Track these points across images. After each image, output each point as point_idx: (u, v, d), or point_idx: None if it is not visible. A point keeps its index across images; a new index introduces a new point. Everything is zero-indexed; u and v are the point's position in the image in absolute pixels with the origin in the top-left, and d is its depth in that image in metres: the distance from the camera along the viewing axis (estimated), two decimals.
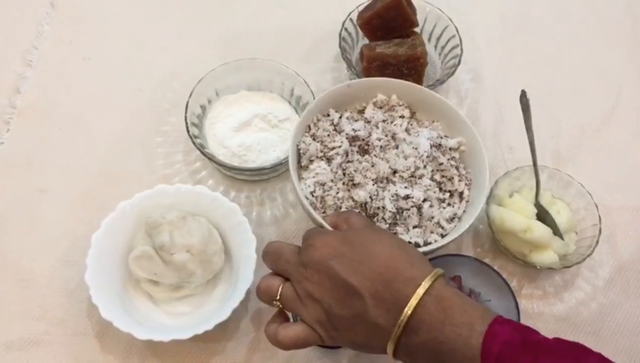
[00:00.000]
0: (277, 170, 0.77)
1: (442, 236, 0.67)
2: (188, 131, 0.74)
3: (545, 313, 0.72)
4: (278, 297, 0.55)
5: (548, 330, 0.71)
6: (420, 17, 0.84)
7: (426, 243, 0.66)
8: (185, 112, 0.75)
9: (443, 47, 0.85)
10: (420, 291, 0.48)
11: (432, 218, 0.67)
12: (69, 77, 0.86)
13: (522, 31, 0.94)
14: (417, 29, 0.84)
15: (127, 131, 0.82)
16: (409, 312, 0.48)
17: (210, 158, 0.74)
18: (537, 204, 0.74)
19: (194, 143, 0.74)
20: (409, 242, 0.64)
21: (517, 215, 0.71)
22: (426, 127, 0.72)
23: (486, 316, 0.48)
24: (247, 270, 0.66)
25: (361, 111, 0.74)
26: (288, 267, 0.55)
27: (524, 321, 0.68)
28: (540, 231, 0.70)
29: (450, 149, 0.71)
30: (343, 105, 0.74)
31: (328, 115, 0.72)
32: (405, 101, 0.74)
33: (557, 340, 0.48)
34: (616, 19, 0.96)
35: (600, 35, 0.94)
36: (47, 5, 0.92)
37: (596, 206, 0.72)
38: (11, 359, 0.67)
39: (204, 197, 0.71)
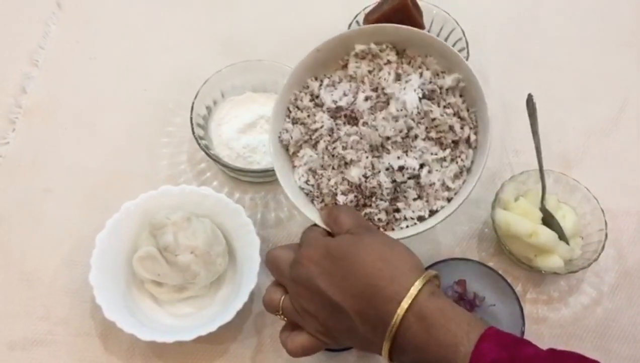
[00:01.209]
0: None
1: (449, 199, 0.60)
2: (193, 132, 0.74)
3: (550, 318, 0.72)
4: (280, 311, 0.56)
5: (552, 335, 0.70)
6: (426, 20, 0.84)
7: (433, 212, 0.60)
8: (191, 113, 0.75)
9: None
10: (400, 312, 0.47)
11: (433, 184, 0.60)
12: (75, 77, 0.87)
13: (528, 35, 0.94)
14: None
15: (132, 131, 0.82)
16: (393, 332, 0.47)
17: (215, 159, 0.74)
18: (543, 209, 0.73)
19: (199, 144, 0.73)
20: (412, 218, 0.60)
21: (523, 219, 0.71)
22: (419, 66, 0.63)
23: (472, 332, 0.46)
24: (251, 271, 0.66)
25: (344, 67, 0.65)
26: (284, 281, 0.56)
27: (528, 325, 0.68)
28: (546, 235, 0.70)
29: (447, 91, 0.61)
30: (322, 70, 0.66)
31: (307, 87, 0.65)
32: (388, 42, 0.64)
33: (551, 352, 0.46)
34: (623, 24, 0.95)
35: (607, 40, 0.94)
36: (53, 5, 0.93)
37: (602, 210, 0.72)
38: (15, 358, 0.67)
39: (208, 198, 0.71)
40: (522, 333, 0.65)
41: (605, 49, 0.93)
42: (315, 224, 0.60)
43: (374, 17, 0.81)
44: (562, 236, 0.72)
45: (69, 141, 0.81)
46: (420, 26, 0.82)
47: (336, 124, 0.62)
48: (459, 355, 0.45)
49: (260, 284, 0.65)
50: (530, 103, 0.76)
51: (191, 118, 0.75)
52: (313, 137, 0.62)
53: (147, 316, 0.68)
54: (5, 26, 0.90)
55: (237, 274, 0.70)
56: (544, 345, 0.47)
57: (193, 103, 0.76)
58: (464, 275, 0.71)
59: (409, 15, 0.80)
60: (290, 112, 0.65)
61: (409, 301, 0.47)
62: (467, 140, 0.61)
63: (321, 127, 0.62)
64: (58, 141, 0.81)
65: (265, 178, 0.78)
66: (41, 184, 0.77)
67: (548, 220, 0.72)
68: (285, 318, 0.56)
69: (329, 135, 0.62)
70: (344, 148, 0.61)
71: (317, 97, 0.64)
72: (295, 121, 0.64)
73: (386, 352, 0.48)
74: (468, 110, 0.61)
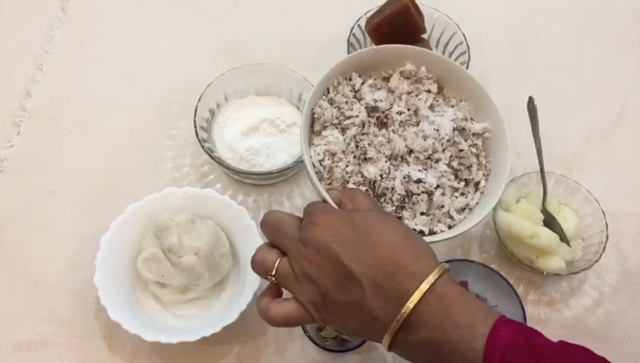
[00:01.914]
0: (284, 174, 0.78)
1: (450, 227, 0.62)
2: (197, 135, 0.75)
3: (551, 319, 0.72)
4: (274, 272, 0.52)
5: (554, 336, 0.69)
6: (428, 24, 0.84)
7: (432, 232, 0.62)
8: (194, 116, 0.76)
9: (450, 54, 0.86)
10: (423, 287, 0.46)
11: (442, 206, 0.62)
12: (79, 81, 0.87)
13: (528, 38, 0.94)
14: (424, 36, 0.85)
15: (136, 134, 0.83)
16: (410, 308, 0.46)
17: (219, 161, 0.74)
18: (544, 211, 0.74)
19: (202, 147, 0.74)
20: (414, 230, 0.61)
21: (525, 221, 0.71)
22: (452, 106, 0.67)
23: (489, 316, 0.46)
24: (254, 273, 0.66)
25: (386, 79, 0.69)
26: (287, 242, 0.52)
27: (530, 326, 0.68)
28: (548, 237, 0.70)
29: (473, 134, 0.65)
30: (368, 71, 0.68)
31: (350, 79, 0.67)
32: (434, 74, 0.68)
33: (562, 344, 0.47)
34: (624, 27, 0.96)
35: (608, 43, 0.94)
36: (58, 9, 0.93)
37: (603, 212, 0.72)
38: (20, 360, 0.68)
39: (212, 200, 0.72)
40: None
41: (605, 52, 0.93)
42: (323, 201, 0.57)
43: (376, 21, 0.82)
44: (563, 238, 0.72)
45: (74, 144, 0.82)
46: (422, 30, 0.82)
47: (368, 121, 0.64)
48: (476, 335, 0.45)
49: (263, 286, 0.65)
50: (531, 106, 0.77)
51: (195, 121, 0.75)
52: (344, 123, 0.63)
53: (151, 318, 0.68)
54: (10, 30, 0.91)
55: (240, 275, 0.70)
56: None
57: (197, 106, 0.76)
58: (466, 277, 0.71)
59: (411, 19, 0.80)
60: (329, 93, 0.66)
61: (433, 280, 0.47)
62: (477, 184, 0.65)
63: (356, 116, 0.63)
64: (62, 144, 0.81)
65: (268, 180, 0.79)
66: (46, 186, 0.78)
67: (549, 222, 0.73)
68: (275, 281, 0.52)
69: (361, 126, 0.63)
70: (369, 145, 0.62)
71: (357, 91, 0.66)
72: (331, 102, 0.65)
73: (392, 333, 0.47)
74: (485, 158, 0.66)
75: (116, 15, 0.94)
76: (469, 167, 0.64)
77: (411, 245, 0.50)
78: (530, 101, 0.77)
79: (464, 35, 0.84)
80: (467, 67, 0.82)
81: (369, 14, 0.84)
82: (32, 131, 0.82)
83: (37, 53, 0.89)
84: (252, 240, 0.69)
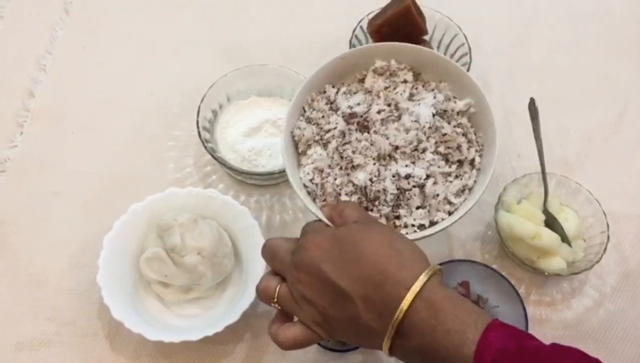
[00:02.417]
0: (286, 175, 0.78)
1: (450, 213, 0.61)
2: (200, 136, 0.75)
3: (552, 319, 0.72)
4: (275, 299, 0.54)
5: (555, 336, 0.71)
6: (429, 26, 0.84)
7: (433, 223, 0.61)
8: (197, 117, 0.76)
9: (452, 56, 0.86)
10: (409, 296, 0.47)
11: (437, 195, 0.61)
12: (82, 81, 0.88)
13: (530, 40, 0.95)
14: (426, 37, 0.85)
15: (138, 135, 0.83)
16: (400, 317, 0.47)
17: (221, 162, 0.75)
18: (546, 211, 0.74)
19: (205, 147, 0.74)
20: (413, 225, 0.60)
21: (526, 222, 0.71)
22: (432, 89, 0.66)
23: (479, 321, 0.46)
24: (257, 272, 0.67)
25: (361, 80, 0.68)
26: (282, 267, 0.54)
27: (531, 327, 0.68)
28: (549, 237, 0.70)
29: (458, 113, 0.64)
30: (340, 79, 0.68)
31: (324, 92, 0.67)
32: (407, 63, 0.67)
33: (555, 346, 0.46)
34: (624, 28, 0.96)
35: (608, 44, 0.95)
36: (61, 11, 0.94)
37: (604, 213, 0.73)
38: (22, 359, 0.68)
39: (214, 200, 0.72)
40: None
41: (606, 54, 0.94)
42: (318, 220, 0.59)
43: (378, 22, 0.82)
44: (564, 239, 0.72)
45: (76, 145, 0.82)
46: (423, 31, 0.83)
47: (348, 129, 0.63)
48: (466, 341, 0.45)
49: None
50: (532, 107, 0.77)
51: (197, 122, 0.76)
52: (325, 137, 0.64)
53: (154, 317, 0.68)
54: (13, 32, 0.92)
55: (242, 275, 0.70)
56: None
57: (199, 107, 0.76)
58: (467, 277, 0.71)
59: (412, 21, 0.81)
60: (305, 111, 0.66)
61: (419, 286, 0.47)
62: (472, 161, 0.63)
63: (334, 128, 0.63)
64: (65, 145, 0.82)
65: (270, 181, 0.79)
66: (49, 187, 0.78)
67: (551, 222, 0.73)
68: (279, 307, 0.54)
69: (341, 137, 0.63)
70: (353, 152, 0.62)
71: (333, 102, 0.65)
72: (309, 121, 0.65)
73: (389, 341, 0.48)
74: (475, 133, 0.64)
75: (119, 17, 0.94)
76: (459, 148, 0.63)
77: (397, 253, 0.50)
78: (532, 102, 0.78)
79: (465, 37, 0.84)
80: (468, 69, 0.82)
81: (370, 16, 0.85)
82: (35, 131, 0.83)
83: (40, 54, 0.89)
84: (254, 240, 0.69)
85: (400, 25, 0.81)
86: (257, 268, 0.67)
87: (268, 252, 0.56)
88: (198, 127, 0.75)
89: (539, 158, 0.76)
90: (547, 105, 0.80)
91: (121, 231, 0.69)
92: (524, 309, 0.67)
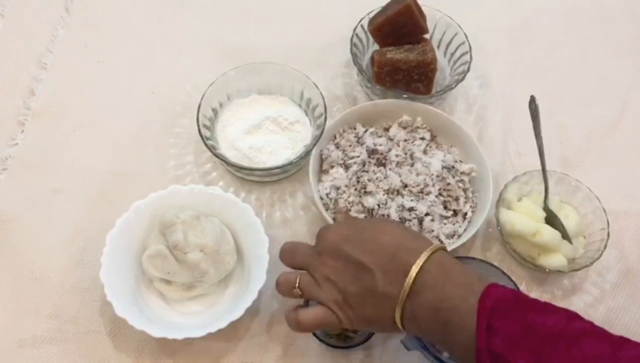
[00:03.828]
0: (287, 171, 0.78)
1: None
2: (200, 133, 0.75)
3: None
4: (297, 285, 0.59)
5: None
6: (430, 25, 0.85)
7: None
8: (197, 114, 0.76)
9: (452, 54, 0.86)
10: (422, 257, 0.53)
11: (432, 231, 0.72)
12: (83, 80, 0.88)
13: (530, 39, 0.95)
14: (427, 36, 0.85)
15: (139, 132, 0.83)
16: (414, 275, 0.53)
17: (222, 159, 0.75)
18: (546, 208, 0.74)
19: (205, 144, 0.74)
20: None
21: (527, 219, 0.72)
22: (443, 150, 0.78)
23: (483, 279, 0.53)
24: (259, 269, 0.67)
25: (387, 129, 0.81)
26: (304, 259, 0.60)
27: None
28: (550, 234, 0.71)
29: (462, 173, 0.76)
30: (370, 121, 0.80)
31: (354, 128, 0.79)
32: (428, 124, 0.80)
33: (549, 303, 0.51)
34: (623, 27, 0.97)
35: (608, 43, 0.95)
36: (62, 10, 0.94)
37: (604, 210, 0.73)
38: (24, 356, 0.68)
39: (216, 198, 0.72)
40: None
41: (605, 52, 0.94)
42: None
43: (379, 21, 0.82)
44: (565, 236, 0.73)
45: (77, 143, 0.82)
46: (424, 30, 0.83)
47: (368, 161, 0.76)
48: (471, 293, 0.51)
49: (268, 282, 0.66)
50: (532, 105, 0.78)
51: (198, 119, 0.76)
52: (347, 162, 0.76)
53: (156, 315, 0.68)
54: (14, 30, 0.91)
55: (245, 272, 0.70)
56: None
57: (200, 105, 0.77)
58: None
59: (413, 20, 0.81)
60: (335, 138, 0.79)
61: (430, 252, 0.54)
62: (465, 214, 0.74)
63: (358, 156, 0.76)
64: (66, 143, 0.82)
65: (270, 177, 0.79)
66: (50, 184, 0.78)
67: (551, 220, 0.73)
68: (300, 292, 0.59)
69: (362, 165, 0.76)
70: (369, 181, 0.74)
71: (360, 138, 0.78)
72: (337, 146, 0.78)
73: (401, 303, 0.53)
74: (472, 193, 0.76)
75: (120, 16, 0.94)
76: (457, 199, 0.74)
77: (408, 232, 0.59)
78: (532, 100, 0.78)
79: (465, 35, 0.84)
80: (468, 68, 0.82)
81: (371, 14, 0.85)
82: (37, 129, 0.83)
83: (41, 52, 0.89)
84: (256, 237, 0.69)
85: (401, 24, 0.82)
86: (260, 264, 0.67)
87: (288, 251, 0.62)
88: (198, 124, 0.75)
89: (539, 155, 0.76)
90: (547, 103, 0.80)
91: (124, 229, 0.69)
92: None
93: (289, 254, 0.62)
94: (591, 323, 0.49)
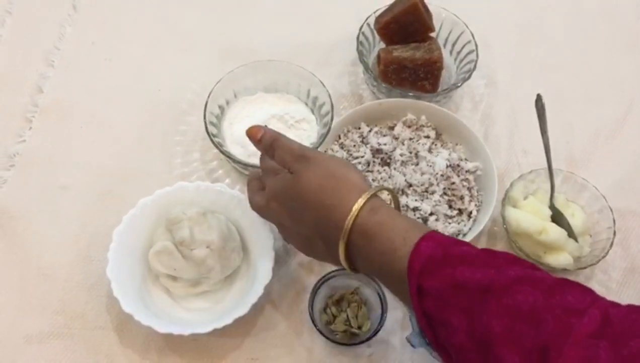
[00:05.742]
0: None
1: None
2: (207, 130, 0.75)
3: None
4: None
5: None
6: (436, 23, 0.85)
7: None
8: (204, 112, 0.76)
9: (459, 53, 0.87)
10: (344, 232, 0.53)
11: (437, 230, 0.68)
12: (90, 77, 0.88)
13: (536, 38, 0.95)
14: (433, 34, 0.85)
15: (146, 130, 0.84)
16: (343, 249, 0.54)
17: (228, 156, 0.75)
18: (552, 207, 0.74)
19: (212, 141, 0.75)
20: None
21: (533, 217, 0.72)
22: (448, 149, 0.78)
23: (409, 237, 0.51)
24: (265, 266, 0.67)
25: (391, 128, 0.80)
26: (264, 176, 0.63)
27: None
28: (556, 233, 0.71)
29: (467, 171, 0.76)
30: (374, 120, 0.80)
31: (359, 128, 0.79)
32: (432, 122, 0.80)
33: (484, 251, 0.50)
34: (630, 26, 0.97)
35: (614, 42, 0.95)
36: (69, 7, 0.94)
37: (610, 209, 0.73)
38: (31, 352, 0.68)
39: (223, 195, 0.72)
40: None
41: (611, 51, 0.94)
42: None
43: (385, 19, 0.83)
44: (571, 234, 0.73)
45: (85, 140, 0.82)
46: (430, 28, 0.83)
47: (373, 161, 0.77)
48: (396, 259, 0.50)
49: (274, 279, 0.66)
50: (539, 103, 0.78)
51: (205, 116, 0.76)
52: (352, 162, 0.76)
53: (162, 311, 0.68)
54: (22, 27, 0.92)
55: (250, 269, 0.71)
56: None
57: (207, 102, 0.77)
58: None
59: (420, 18, 0.81)
60: (339, 138, 0.79)
61: (351, 222, 0.53)
62: (470, 213, 0.74)
63: (362, 156, 0.76)
64: (73, 140, 0.82)
65: None
66: (57, 181, 0.79)
67: (557, 218, 0.73)
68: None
69: (366, 165, 0.76)
70: (373, 180, 0.75)
71: (365, 138, 0.78)
72: (342, 146, 0.78)
73: (346, 261, 0.55)
74: (477, 191, 0.76)
75: (127, 13, 0.94)
76: (461, 198, 0.74)
77: (327, 196, 0.55)
78: (539, 98, 0.78)
79: (472, 34, 0.84)
80: (475, 66, 0.82)
81: (378, 13, 0.85)
82: (44, 126, 0.83)
83: (49, 50, 0.90)
84: (263, 234, 0.69)
85: (408, 23, 0.82)
86: (266, 261, 0.67)
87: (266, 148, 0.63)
88: (205, 122, 0.76)
89: (545, 154, 0.76)
90: (552, 103, 0.80)
91: (130, 225, 0.69)
92: None
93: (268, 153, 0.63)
94: (530, 267, 0.48)
